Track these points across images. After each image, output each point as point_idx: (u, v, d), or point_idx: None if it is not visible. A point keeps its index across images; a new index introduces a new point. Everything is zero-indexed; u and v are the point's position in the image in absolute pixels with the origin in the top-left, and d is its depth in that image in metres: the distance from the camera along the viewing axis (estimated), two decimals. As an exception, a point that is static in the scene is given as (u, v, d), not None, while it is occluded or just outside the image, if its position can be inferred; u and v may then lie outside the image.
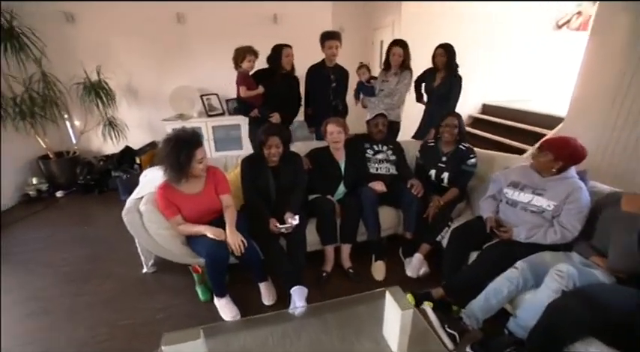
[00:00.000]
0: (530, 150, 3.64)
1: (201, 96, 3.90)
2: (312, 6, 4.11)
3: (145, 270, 2.24)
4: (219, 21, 3.91)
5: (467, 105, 5.05)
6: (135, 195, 2.02)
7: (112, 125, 3.70)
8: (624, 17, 2.88)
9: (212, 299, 1.93)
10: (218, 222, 1.89)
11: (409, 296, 1.83)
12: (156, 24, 3.79)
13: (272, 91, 2.84)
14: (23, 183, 3.57)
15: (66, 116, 3.77)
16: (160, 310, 1.93)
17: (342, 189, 2.42)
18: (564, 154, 1.75)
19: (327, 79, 2.99)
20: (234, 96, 3.85)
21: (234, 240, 1.76)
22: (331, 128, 2.39)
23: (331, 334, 1.52)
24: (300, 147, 2.66)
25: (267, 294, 1.96)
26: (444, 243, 2.14)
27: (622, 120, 2.96)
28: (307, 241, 2.10)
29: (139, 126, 4.05)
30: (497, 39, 4.87)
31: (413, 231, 2.29)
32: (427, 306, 1.69)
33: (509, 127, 4.39)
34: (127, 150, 3.83)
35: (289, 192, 2.16)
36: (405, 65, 2.99)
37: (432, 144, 2.54)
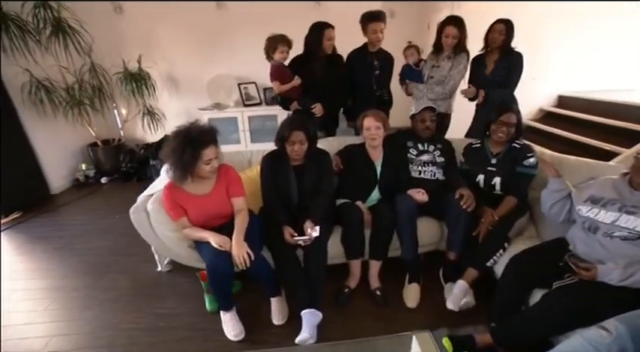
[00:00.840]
0: (626, 153, 2.91)
1: (239, 84, 3.76)
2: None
3: (159, 269, 2.15)
4: (258, 6, 3.70)
5: (536, 96, 4.28)
6: (147, 191, 1.90)
7: (150, 114, 3.72)
8: None
9: (219, 310, 1.75)
10: (229, 227, 1.68)
11: (446, 341, 1.46)
12: (196, 11, 3.69)
13: (312, 79, 2.52)
14: (74, 169, 3.76)
15: (114, 105, 3.88)
16: (164, 316, 1.80)
17: (376, 194, 2.07)
18: None
19: (370, 66, 2.62)
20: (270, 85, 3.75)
21: (239, 251, 1.53)
22: (368, 122, 2.05)
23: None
24: (333, 143, 2.36)
25: (277, 312, 1.73)
26: (497, 269, 1.71)
27: None
28: (331, 253, 1.83)
29: (178, 115, 4.04)
30: (580, 13, 3.99)
31: (459, 251, 1.88)
32: None
33: (593, 123, 3.59)
34: (165, 139, 3.85)
35: (313, 195, 1.89)
36: (460, 47, 2.49)
37: (478, 144, 2.09)
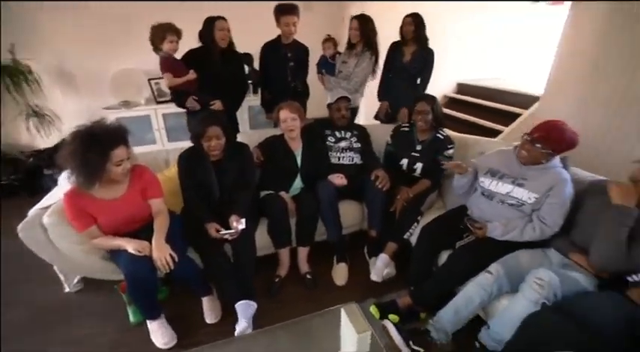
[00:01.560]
0: (506, 130, 3.46)
1: (149, 80, 3.45)
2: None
3: (67, 290, 1.91)
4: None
5: (441, 85, 4.80)
6: (40, 204, 1.66)
7: (37, 115, 3.21)
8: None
9: (145, 319, 1.64)
10: (147, 231, 1.57)
11: (373, 308, 1.61)
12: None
13: (208, 74, 2.38)
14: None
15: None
16: (83, 340, 1.62)
17: (298, 183, 2.13)
18: (562, 148, 1.52)
19: (284, 58, 2.64)
20: None
21: (160, 254, 1.45)
22: (284, 114, 2.08)
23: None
24: (252, 135, 2.34)
25: (210, 311, 1.69)
26: (413, 240, 1.92)
27: (603, 97, 2.78)
28: (259, 244, 1.83)
29: (78, 116, 3.56)
30: (471, 13, 4.59)
31: (379, 228, 2.05)
32: (389, 323, 1.47)
33: (485, 107, 4.18)
34: (62, 143, 3.37)
35: (236, 190, 1.86)
36: (369, 45, 2.66)
37: (407, 129, 2.26)
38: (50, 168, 3.16)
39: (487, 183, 1.71)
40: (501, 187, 1.65)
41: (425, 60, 2.65)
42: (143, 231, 1.59)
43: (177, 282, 1.64)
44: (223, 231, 1.65)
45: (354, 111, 2.79)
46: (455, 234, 1.73)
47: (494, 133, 3.53)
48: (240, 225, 1.66)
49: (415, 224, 1.95)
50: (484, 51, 4.91)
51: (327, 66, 2.78)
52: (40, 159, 3.23)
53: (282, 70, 2.66)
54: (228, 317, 1.66)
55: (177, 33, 2.28)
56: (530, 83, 4.07)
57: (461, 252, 1.60)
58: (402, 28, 2.69)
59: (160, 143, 3.51)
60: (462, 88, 4.87)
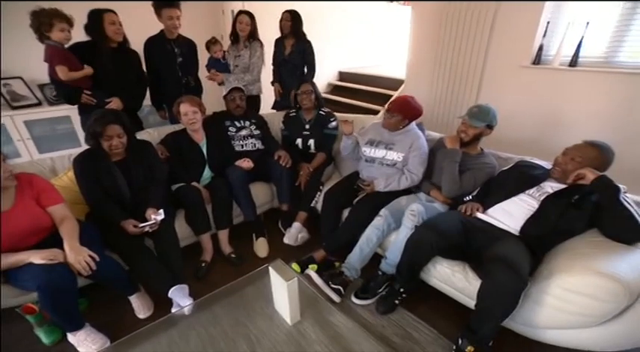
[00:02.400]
0: (382, 110, 4.11)
1: (-4, 81, 2.91)
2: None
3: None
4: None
5: (325, 73, 5.30)
6: None
7: None
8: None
9: (64, 336, 1.56)
10: (52, 242, 1.48)
11: (294, 266, 1.87)
12: None
13: (102, 71, 2.25)
14: None
15: None
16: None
17: (208, 173, 2.23)
18: (410, 114, 2.00)
19: (172, 54, 2.62)
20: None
21: (78, 257, 1.41)
22: (185, 108, 2.13)
23: (222, 325, 1.43)
24: (153, 134, 2.32)
25: (141, 307, 1.70)
26: (319, 207, 2.24)
27: (443, 80, 3.60)
28: (180, 235, 1.89)
29: None
30: (344, 9, 5.17)
31: (288, 202, 2.31)
32: (310, 270, 1.76)
33: (364, 91, 4.83)
34: None
35: (147, 187, 1.87)
36: (253, 36, 2.86)
37: (294, 114, 2.56)
38: None
39: (368, 151, 2.13)
40: (378, 152, 2.09)
41: (304, 51, 2.98)
42: (47, 242, 1.49)
43: (103, 282, 1.59)
44: (142, 224, 1.66)
45: (257, 98, 3.00)
46: (351, 194, 2.10)
47: (374, 113, 4.15)
48: (159, 215, 1.70)
49: (319, 193, 2.28)
50: (361, 42, 5.61)
51: (219, 65, 2.86)
52: None
53: (171, 66, 2.63)
54: (162, 310, 1.69)
55: (67, 20, 2.04)
56: (399, 68, 4.87)
57: (357, 206, 1.98)
58: (280, 23, 2.96)
59: (28, 155, 3.03)
60: (343, 76, 5.47)
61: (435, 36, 3.48)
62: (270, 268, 1.48)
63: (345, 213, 2.05)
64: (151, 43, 2.58)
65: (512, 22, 3.02)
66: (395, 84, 4.46)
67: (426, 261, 1.60)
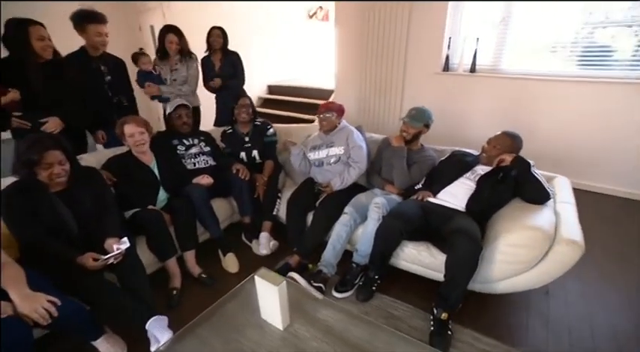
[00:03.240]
0: (315, 118, 4.34)
1: None
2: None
3: None
4: None
5: (253, 88, 5.36)
6: None
7: None
8: (356, 11, 3.80)
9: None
10: None
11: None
12: None
13: (30, 89, 1.96)
14: None
15: None
16: None
17: (163, 195, 2.11)
18: (337, 109, 2.24)
19: (98, 72, 2.42)
20: None
21: (34, 305, 1.22)
22: (130, 129, 2.00)
23: (213, 346, 1.39)
24: (89, 159, 2.11)
25: (112, 348, 1.53)
26: (281, 214, 2.30)
27: (370, 87, 3.99)
28: (144, 263, 1.74)
29: None
30: (267, 26, 5.32)
31: (251, 213, 2.31)
32: (293, 273, 1.81)
33: (295, 103, 5.02)
34: None
35: (98, 217, 1.70)
36: (186, 52, 2.83)
37: (230, 130, 2.59)
38: None
39: (313, 155, 2.30)
40: (322, 153, 2.27)
41: (233, 63, 3.04)
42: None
43: (63, 331, 1.39)
44: (104, 256, 1.52)
45: (197, 110, 2.96)
46: (312, 197, 2.21)
47: (308, 122, 4.34)
48: (123, 244, 1.57)
49: (278, 200, 2.33)
50: (284, 56, 5.80)
51: (151, 78, 2.74)
52: None
53: (99, 85, 2.43)
54: (138, 347, 1.55)
55: None
56: (325, 79, 5.18)
57: (322, 208, 2.10)
58: (209, 38, 2.97)
59: None
60: (272, 89, 5.60)
61: (359, 49, 3.86)
62: (256, 277, 1.50)
63: (309, 216, 2.14)
64: (72, 61, 2.32)
65: (422, 36, 3.54)
66: (324, 94, 4.76)
67: (396, 245, 1.79)
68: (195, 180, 2.16)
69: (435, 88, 3.58)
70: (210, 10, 4.41)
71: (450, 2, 3.26)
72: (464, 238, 1.52)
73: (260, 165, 2.48)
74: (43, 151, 1.51)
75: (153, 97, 2.83)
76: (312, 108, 4.65)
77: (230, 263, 2.11)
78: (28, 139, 1.55)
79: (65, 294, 1.46)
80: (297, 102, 4.97)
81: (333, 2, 3.98)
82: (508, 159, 1.75)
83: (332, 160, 2.22)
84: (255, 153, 2.50)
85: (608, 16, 2.87)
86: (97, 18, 2.27)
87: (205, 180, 2.16)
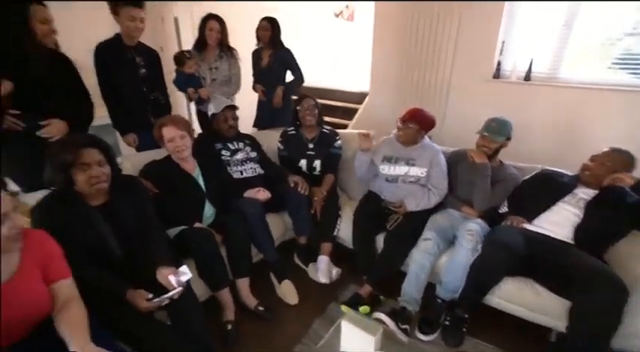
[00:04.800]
0: (351, 123, 4.05)
1: None
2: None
3: None
4: None
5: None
6: None
7: None
8: (398, 10, 3.53)
9: None
10: (44, 336, 0.97)
11: (344, 308, 1.60)
12: None
13: (29, 83, 1.62)
14: None
15: None
16: None
17: (209, 210, 1.82)
18: (426, 124, 1.92)
19: (133, 64, 2.12)
20: None
21: None
22: (170, 132, 1.71)
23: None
24: (123, 165, 1.81)
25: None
26: (342, 234, 2.02)
27: (409, 93, 3.71)
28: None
29: None
30: (292, 25, 5.03)
31: (308, 233, 2.02)
32: (381, 314, 1.52)
33: (327, 106, 4.70)
34: None
35: (142, 237, 1.40)
36: (225, 45, 2.53)
37: (294, 132, 2.29)
38: None
39: (387, 169, 1.99)
40: (399, 169, 1.97)
41: (283, 59, 2.75)
42: (35, 336, 0.98)
43: None
44: (161, 297, 1.21)
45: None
46: (380, 217, 1.93)
47: (340, 127, 4.05)
48: (184, 275, 1.28)
49: (339, 219, 2.05)
50: (309, 56, 5.51)
51: (191, 81, 2.43)
52: None
53: (133, 79, 2.14)
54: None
55: None
56: (353, 80, 4.86)
57: (396, 232, 1.82)
58: (258, 32, 2.68)
59: None
60: (304, 91, 5.29)
61: (399, 50, 3.58)
62: (344, 323, 1.23)
63: (379, 239, 1.87)
64: (105, 50, 2.04)
65: (473, 39, 3.25)
66: (355, 97, 4.48)
67: (496, 282, 1.52)
68: (247, 194, 1.86)
69: (484, 96, 3.31)
70: (237, 8, 4.12)
71: (507, 2, 3.01)
72: (605, 282, 1.25)
73: (318, 178, 2.18)
74: (79, 149, 1.23)
75: (194, 100, 2.52)
76: (344, 112, 4.37)
77: (288, 292, 1.82)
78: (59, 140, 1.32)
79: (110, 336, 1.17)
80: (329, 106, 4.65)
81: (371, 2, 3.72)
82: (628, 180, 1.46)
83: (409, 179, 1.94)
84: (317, 163, 2.20)
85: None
86: (134, 1, 1.97)
87: (262, 194, 1.85)
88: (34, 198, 1.45)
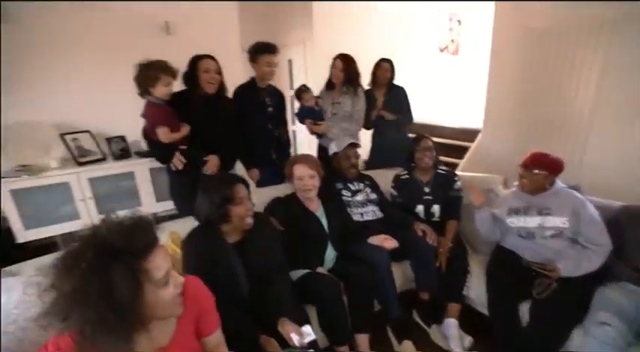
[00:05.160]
0: (462, 163, 3.74)
1: (62, 135, 2.59)
2: (217, 12, 3.31)
3: None
4: (83, 26, 2.69)
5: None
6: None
7: None
8: (518, 41, 3.18)
9: None
10: None
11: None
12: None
13: (196, 124, 1.95)
14: None
15: None
16: None
17: (331, 253, 1.77)
18: (554, 167, 1.63)
19: (262, 104, 2.31)
20: (118, 133, 2.80)
21: None
22: (301, 170, 1.75)
23: None
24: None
25: None
26: (471, 294, 1.76)
27: (534, 132, 3.24)
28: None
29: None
30: (397, 59, 5.03)
31: (433, 289, 1.81)
32: None
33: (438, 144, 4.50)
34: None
35: (267, 277, 1.40)
36: (353, 82, 2.53)
37: (407, 176, 2.16)
38: None
39: (517, 221, 1.70)
40: (531, 221, 1.67)
41: (398, 98, 2.70)
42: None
43: None
44: None
45: None
46: (521, 280, 1.61)
47: (454, 167, 3.76)
48: (308, 336, 1.21)
49: (469, 275, 1.80)
50: (414, 92, 5.40)
51: (313, 114, 2.53)
52: None
53: (262, 117, 2.32)
54: None
55: (172, 74, 1.80)
56: (459, 117, 4.57)
57: (548, 304, 1.48)
58: (376, 73, 2.68)
59: (87, 217, 2.60)
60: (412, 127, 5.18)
61: (522, 82, 3.19)
62: None
63: (523, 308, 1.55)
64: (243, 92, 2.28)
65: (624, 65, 2.66)
66: (463, 134, 4.16)
67: None
68: (373, 240, 1.76)
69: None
70: (350, 44, 4.28)
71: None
72: None
73: (437, 225, 1.98)
74: (235, 184, 1.35)
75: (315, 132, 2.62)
76: (452, 151, 4.08)
77: (409, 355, 1.62)
78: (212, 177, 1.50)
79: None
80: (437, 143, 4.44)
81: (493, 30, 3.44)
82: None
83: (548, 233, 1.62)
84: (436, 208, 2.03)
85: None
86: (270, 49, 2.20)
87: (390, 242, 1.72)
88: (181, 227, 1.61)
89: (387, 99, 2.68)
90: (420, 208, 2.06)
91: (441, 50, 5.83)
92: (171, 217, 2.39)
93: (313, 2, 4.07)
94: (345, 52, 2.54)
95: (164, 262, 0.80)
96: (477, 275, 1.78)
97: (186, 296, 0.89)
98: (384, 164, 2.62)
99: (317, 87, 2.73)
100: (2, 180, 2.30)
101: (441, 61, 5.81)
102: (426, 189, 2.07)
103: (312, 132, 2.59)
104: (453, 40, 5.92)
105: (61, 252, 0.75)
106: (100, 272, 0.70)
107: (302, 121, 2.58)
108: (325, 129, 2.48)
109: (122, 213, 0.82)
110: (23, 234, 2.40)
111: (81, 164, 2.59)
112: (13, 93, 2.55)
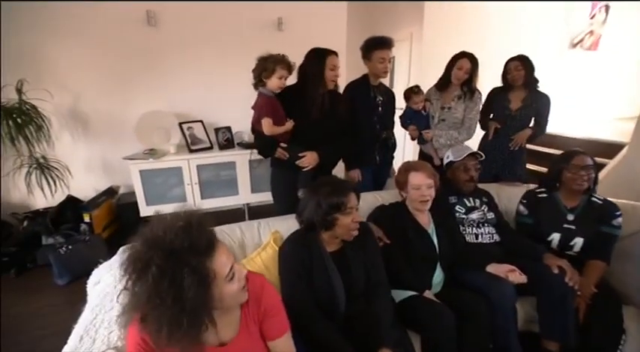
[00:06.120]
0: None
1: (181, 124, 2.85)
2: (327, 10, 3.31)
3: None
4: (203, 24, 2.92)
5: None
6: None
7: (42, 168, 2.47)
8: None
9: None
10: None
11: None
12: (115, 24, 2.70)
13: (305, 120, 1.86)
14: None
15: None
16: None
17: (439, 276, 1.55)
18: None
19: (373, 103, 2.16)
20: (224, 123, 2.97)
21: None
22: (418, 179, 1.57)
23: None
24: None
25: None
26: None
27: None
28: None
29: (90, 167, 2.87)
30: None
31: (567, 341, 1.42)
32: None
33: (541, 154, 3.80)
34: (70, 202, 2.62)
35: (367, 297, 1.29)
36: (471, 86, 2.25)
37: (545, 195, 1.78)
38: (52, 235, 2.40)
39: None
40: None
41: (538, 105, 2.27)
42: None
43: None
44: None
45: None
46: None
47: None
48: None
49: (623, 337, 1.39)
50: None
51: (417, 118, 2.30)
52: (38, 223, 2.47)
53: (371, 117, 2.17)
54: None
55: (289, 68, 1.81)
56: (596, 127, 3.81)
57: None
58: (506, 74, 2.30)
59: (192, 200, 2.83)
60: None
61: None
62: None
63: None
64: (355, 88, 2.16)
65: None
66: (599, 148, 3.40)
67: None
68: (494, 269, 1.48)
69: None
70: (461, 43, 3.86)
71: None
72: None
73: (575, 262, 1.56)
74: (346, 192, 1.25)
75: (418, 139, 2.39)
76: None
77: None
78: (321, 182, 1.31)
79: None
80: (543, 154, 3.75)
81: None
82: None
83: None
84: (577, 241, 1.62)
85: None
86: (386, 43, 2.03)
87: (517, 276, 1.41)
88: (286, 227, 1.57)
89: (525, 104, 2.27)
90: (555, 236, 1.67)
91: (574, 45, 4.92)
92: (261, 208, 2.41)
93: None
94: (458, 50, 2.26)
95: (227, 258, 0.81)
96: (634, 336, 1.37)
97: (253, 292, 0.89)
98: (486, 176, 2.24)
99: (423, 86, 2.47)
100: (130, 161, 2.61)
101: (571, 59, 4.92)
102: (570, 217, 1.67)
103: (414, 138, 2.36)
104: (592, 32, 4.96)
105: (128, 253, 0.75)
106: (170, 278, 0.70)
107: (405, 126, 2.37)
108: (431, 136, 2.24)
109: (168, 209, 0.83)
110: (145, 209, 2.72)
111: (192, 151, 2.81)
112: (147, 87, 2.90)
